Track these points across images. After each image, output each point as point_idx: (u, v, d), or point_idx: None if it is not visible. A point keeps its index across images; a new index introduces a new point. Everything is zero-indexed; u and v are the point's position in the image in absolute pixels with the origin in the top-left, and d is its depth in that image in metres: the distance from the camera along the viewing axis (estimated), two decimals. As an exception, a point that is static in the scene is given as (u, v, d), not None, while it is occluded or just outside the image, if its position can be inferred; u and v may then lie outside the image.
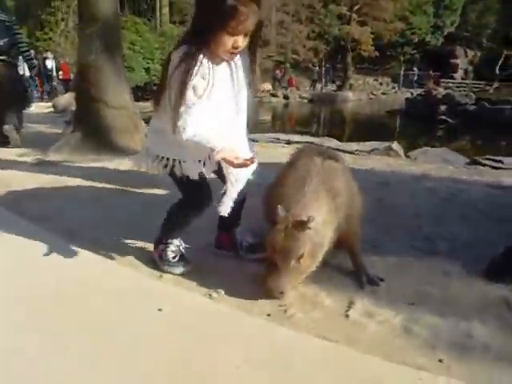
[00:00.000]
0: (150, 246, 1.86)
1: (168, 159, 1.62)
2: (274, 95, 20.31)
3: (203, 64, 1.48)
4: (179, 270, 1.73)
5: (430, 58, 30.48)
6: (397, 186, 2.94)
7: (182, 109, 1.45)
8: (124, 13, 17.71)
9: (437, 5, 29.78)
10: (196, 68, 1.46)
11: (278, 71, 22.85)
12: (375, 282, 1.63)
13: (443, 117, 13.36)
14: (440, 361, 1.24)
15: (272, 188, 1.76)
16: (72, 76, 11.44)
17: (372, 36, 26.88)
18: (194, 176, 1.59)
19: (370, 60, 28.43)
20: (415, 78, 28.18)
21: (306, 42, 25.07)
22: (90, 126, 4.42)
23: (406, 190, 2.81)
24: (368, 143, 4.68)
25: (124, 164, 3.60)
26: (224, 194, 1.60)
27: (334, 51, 27.94)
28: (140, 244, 1.97)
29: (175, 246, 1.77)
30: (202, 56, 1.48)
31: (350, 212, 1.60)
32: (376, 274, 1.67)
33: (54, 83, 14.00)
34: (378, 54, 27.61)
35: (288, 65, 20.70)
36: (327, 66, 26.90)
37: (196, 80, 1.47)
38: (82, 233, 2.11)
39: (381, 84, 29.35)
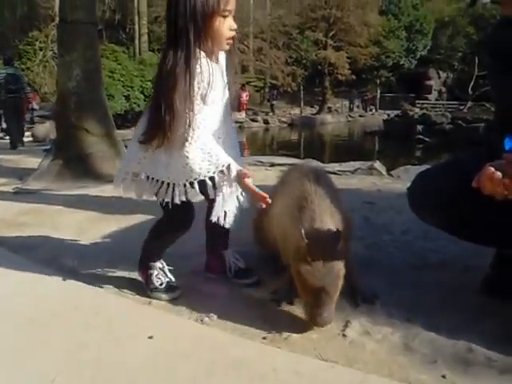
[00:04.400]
0: (134, 273, 1.80)
1: (158, 181, 1.52)
2: (253, 120, 20.51)
3: (204, 64, 1.42)
4: (166, 296, 1.65)
5: (404, 80, 31.31)
6: (383, 203, 2.94)
7: (188, 119, 1.40)
8: (103, 41, 17.83)
9: (409, 29, 30.76)
10: (199, 70, 1.40)
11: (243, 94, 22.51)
12: (370, 300, 1.60)
13: (420, 136, 13.64)
14: (443, 376, 1.21)
15: (266, 209, 1.74)
16: (35, 105, 11.67)
17: (348, 60, 27.63)
18: (185, 198, 1.51)
19: (346, 83, 29.05)
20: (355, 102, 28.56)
21: (284, 68, 25.53)
22: (71, 154, 4.36)
23: (392, 208, 2.82)
24: (351, 163, 4.71)
25: (106, 191, 3.53)
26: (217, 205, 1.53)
27: (312, 75, 28.49)
28: (126, 270, 1.91)
29: (158, 269, 1.69)
30: (203, 55, 1.42)
31: (345, 229, 1.58)
32: (371, 292, 1.64)
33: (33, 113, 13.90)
34: (354, 77, 28.28)
35: (244, 85, 20.62)
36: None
37: (202, 84, 1.41)
38: (66, 261, 2.04)
39: (358, 107, 29.94)
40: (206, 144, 1.45)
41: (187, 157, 1.44)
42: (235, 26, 1.45)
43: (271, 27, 25.30)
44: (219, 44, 1.46)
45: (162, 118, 1.40)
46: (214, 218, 1.51)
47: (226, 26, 1.43)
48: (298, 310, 1.54)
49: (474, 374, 1.23)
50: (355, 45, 27.80)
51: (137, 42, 20.41)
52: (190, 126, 1.41)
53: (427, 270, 1.87)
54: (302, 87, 25.53)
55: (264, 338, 1.40)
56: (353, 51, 27.77)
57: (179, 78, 1.38)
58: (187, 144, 1.43)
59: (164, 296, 1.66)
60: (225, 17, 1.42)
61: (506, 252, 1.62)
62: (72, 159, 4.32)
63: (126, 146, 4.90)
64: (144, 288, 1.70)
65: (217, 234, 1.79)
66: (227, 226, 1.53)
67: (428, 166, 1.89)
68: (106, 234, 2.44)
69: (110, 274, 1.90)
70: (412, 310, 1.54)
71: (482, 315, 1.51)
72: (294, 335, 1.41)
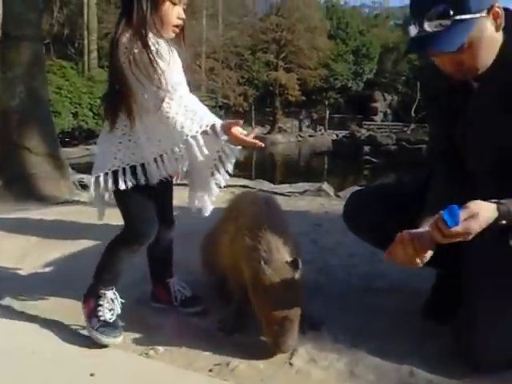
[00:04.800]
0: (79, 304, 1.72)
1: (124, 169, 1.47)
2: (205, 139, 20.45)
3: (160, 44, 1.43)
4: (108, 339, 1.48)
5: (352, 102, 32.46)
6: (330, 226, 2.99)
7: (160, 79, 1.38)
8: (50, 56, 17.35)
9: (356, 53, 32.04)
10: (156, 48, 1.40)
11: None
12: (317, 327, 1.61)
13: (367, 157, 14.13)
14: (385, 403, 1.23)
15: (215, 235, 1.73)
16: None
17: (298, 82, 28.34)
18: (157, 178, 1.48)
19: (297, 104, 29.74)
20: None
21: (236, 87, 25.81)
22: (13, 174, 4.18)
23: (339, 230, 2.87)
24: (299, 184, 4.80)
25: (49, 214, 3.39)
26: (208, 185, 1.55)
27: (263, 96, 28.96)
28: (69, 302, 1.82)
29: (110, 300, 1.57)
30: (153, 35, 1.41)
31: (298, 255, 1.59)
32: (317, 318, 1.66)
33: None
34: (304, 98, 29.02)
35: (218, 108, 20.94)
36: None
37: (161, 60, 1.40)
38: (3, 292, 1.93)
39: (307, 126, 30.66)
40: (189, 103, 1.43)
41: (168, 117, 1.41)
42: (183, 16, 1.46)
43: (223, 48, 25.58)
44: (165, 30, 1.46)
45: (118, 91, 1.43)
46: (190, 203, 1.56)
47: (175, 13, 1.44)
48: (245, 339, 1.53)
49: (415, 399, 1.26)
50: (305, 67, 28.61)
51: (86, 57, 20.00)
52: (165, 86, 1.39)
53: (374, 295, 1.90)
54: (253, 107, 25.85)
55: (210, 371, 1.37)
56: (303, 73, 28.55)
57: (132, 45, 1.39)
58: (165, 105, 1.40)
59: (105, 339, 1.48)
60: (174, 4, 1.43)
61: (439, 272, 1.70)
62: (13, 180, 4.14)
63: (71, 166, 4.77)
64: (85, 322, 1.58)
65: (161, 262, 1.75)
66: (206, 213, 1.58)
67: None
68: (49, 262, 2.33)
69: (51, 306, 1.81)
70: (358, 335, 1.57)
71: (426, 339, 1.55)
72: (241, 366, 1.39)
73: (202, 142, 1.39)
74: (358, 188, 4.81)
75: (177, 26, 1.47)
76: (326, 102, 31.44)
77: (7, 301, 1.84)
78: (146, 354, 1.46)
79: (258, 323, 1.49)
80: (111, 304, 1.56)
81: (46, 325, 1.66)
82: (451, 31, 1.20)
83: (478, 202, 1.23)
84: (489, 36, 1.26)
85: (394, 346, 1.50)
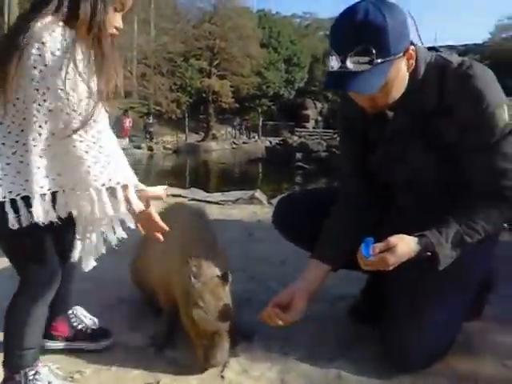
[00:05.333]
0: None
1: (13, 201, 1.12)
2: (137, 147, 20.01)
3: (84, 54, 1.14)
4: None
5: (285, 109, 33.21)
6: (262, 234, 3.04)
7: (80, 110, 1.11)
8: None
9: (287, 62, 32.85)
10: (80, 57, 1.13)
11: (126, 120, 20.63)
12: (249, 337, 1.63)
13: (300, 163, 14.48)
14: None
15: (144, 250, 1.69)
16: None
17: (231, 89, 28.54)
18: (45, 219, 1.14)
19: (230, 111, 29.92)
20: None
21: (169, 94, 25.51)
22: None
23: (271, 239, 2.92)
24: (232, 193, 4.83)
25: None
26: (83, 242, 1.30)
27: (197, 103, 28.85)
28: None
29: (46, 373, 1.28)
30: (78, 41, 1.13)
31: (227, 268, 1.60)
32: (249, 328, 1.67)
33: None
34: (237, 105, 29.27)
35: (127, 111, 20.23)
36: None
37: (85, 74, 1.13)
38: None
39: (241, 134, 30.92)
40: (106, 145, 1.15)
41: (74, 152, 1.12)
42: (121, 25, 1.23)
43: (155, 53, 25.20)
44: (105, 36, 1.19)
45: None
46: (74, 257, 1.30)
47: (114, 21, 1.21)
48: (177, 355, 1.51)
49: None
50: (238, 74, 28.90)
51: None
52: (84, 113, 1.11)
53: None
54: (186, 114, 25.67)
55: (139, 389, 1.34)
56: (236, 80, 28.81)
57: (55, 45, 1.10)
58: (75, 136, 1.12)
59: None
60: (115, 10, 1.21)
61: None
62: None
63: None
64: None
65: (61, 293, 1.41)
66: (86, 269, 1.31)
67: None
68: None
69: None
70: (288, 343, 1.60)
71: (352, 343, 1.61)
72: (173, 383, 1.38)
73: (105, 198, 1.14)
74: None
75: (110, 35, 1.22)
76: (259, 110, 31.91)
77: None
78: (72, 377, 1.39)
79: (183, 338, 1.48)
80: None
81: None
82: (372, 72, 1.25)
83: (400, 236, 1.30)
84: (402, 75, 1.34)
85: (323, 352, 1.55)
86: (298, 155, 14.93)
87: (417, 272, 1.38)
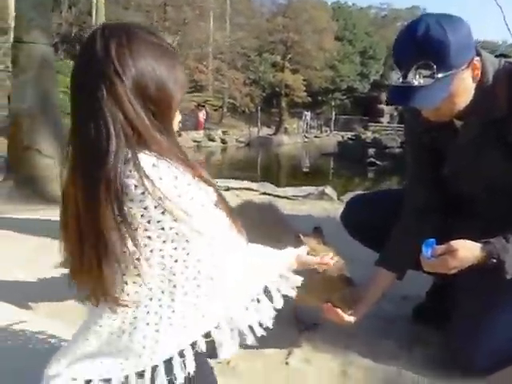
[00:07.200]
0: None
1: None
2: (211, 139, 20.57)
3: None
4: None
5: (358, 103, 32.49)
6: (332, 230, 3.07)
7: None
8: (58, 56, 17.51)
9: (362, 55, 32.09)
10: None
11: (200, 114, 21.03)
12: (311, 328, 1.70)
13: (372, 159, 14.16)
14: (373, 400, 1.33)
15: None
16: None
17: (304, 82, 28.38)
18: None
19: (303, 105, 29.80)
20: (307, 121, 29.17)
21: (243, 88, 25.91)
22: (23, 175, 4.31)
23: (341, 235, 2.95)
24: (303, 188, 4.90)
25: (58, 215, 3.49)
26: None
27: (269, 96, 29.06)
28: (69, 306, 1.79)
29: None
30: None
31: None
32: (312, 320, 1.75)
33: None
34: (310, 99, 29.09)
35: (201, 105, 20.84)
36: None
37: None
38: (10, 293, 1.99)
39: (313, 127, 30.70)
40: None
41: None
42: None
43: (230, 48, 25.69)
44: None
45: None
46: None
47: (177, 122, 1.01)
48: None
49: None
50: (311, 68, 28.71)
51: (94, 57, 20.14)
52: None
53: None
54: (259, 108, 25.97)
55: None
56: (309, 74, 28.65)
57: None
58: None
59: None
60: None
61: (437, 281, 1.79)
62: (24, 181, 4.27)
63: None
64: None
65: None
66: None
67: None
68: (58, 263, 2.39)
69: (54, 311, 1.84)
70: (351, 337, 1.66)
71: (414, 342, 1.64)
72: (241, 365, 1.48)
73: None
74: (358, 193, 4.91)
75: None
76: (332, 103, 31.51)
77: (11, 302, 1.89)
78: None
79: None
80: None
81: (44, 330, 1.61)
82: (434, 87, 1.27)
83: (463, 241, 1.32)
84: (466, 86, 1.35)
85: (384, 349, 1.59)
86: (371, 151, 14.60)
87: (485, 277, 1.38)
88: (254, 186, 5.14)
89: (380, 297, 1.58)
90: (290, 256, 1.17)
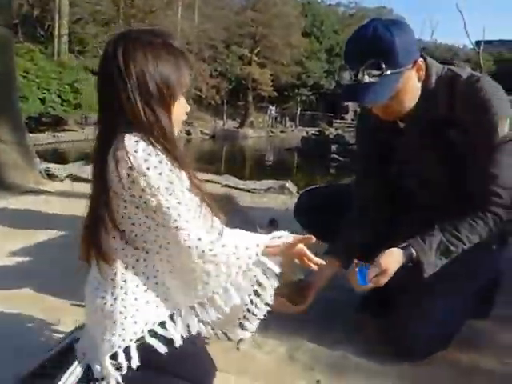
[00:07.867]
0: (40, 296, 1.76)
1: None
2: (176, 130, 20.32)
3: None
4: None
5: (324, 99, 32.92)
6: (286, 223, 3.16)
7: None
8: (17, 38, 16.88)
9: (329, 52, 32.47)
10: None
11: None
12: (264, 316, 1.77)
13: (335, 155, 14.42)
14: (317, 381, 1.41)
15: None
16: None
17: (271, 77, 28.52)
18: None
19: (269, 99, 29.94)
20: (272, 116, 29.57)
21: (209, 80, 25.76)
22: (-23, 162, 4.17)
23: (295, 227, 3.04)
24: (264, 182, 4.99)
25: (15, 203, 3.43)
26: None
27: (236, 90, 29.02)
28: (27, 293, 1.86)
29: None
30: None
31: None
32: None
33: None
34: (276, 93, 29.25)
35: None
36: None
37: None
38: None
39: (279, 122, 30.90)
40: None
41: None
42: (188, 107, 1.15)
43: (198, 39, 25.44)
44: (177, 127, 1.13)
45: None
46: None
47: (184, 108, 1.13)
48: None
49: (345, 379, 1.44)
50: (278, 63, 28.88)
51: (56, 42, 19.53)
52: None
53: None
54: (225, 100, 25.89)
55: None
56: (276, 69, 28.81)
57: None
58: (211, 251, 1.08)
59: None
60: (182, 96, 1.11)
61: None
62: (-22, 167, 4.13)
63: (37, 152, 4.74)
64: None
65: None
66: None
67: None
68: (12, 252, 2.35)
69: (11, 298, 1.82)
70: (300, 323, 1.73)
71: (360, 329, 1.74)
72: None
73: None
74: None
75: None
76: (298, 99, 31.79)
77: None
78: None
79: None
80: None
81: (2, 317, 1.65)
82: (383, 83, 1.38)
83: (389, 251, 1.42)
84: (412, 85, 1.47)
85: (331, 335, 1.68)
86: (334, 147, 14.86)
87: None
88: (216, 178, 5.18)
89: (326, 283, 1.65)
90: (265, 240, 1.20)
